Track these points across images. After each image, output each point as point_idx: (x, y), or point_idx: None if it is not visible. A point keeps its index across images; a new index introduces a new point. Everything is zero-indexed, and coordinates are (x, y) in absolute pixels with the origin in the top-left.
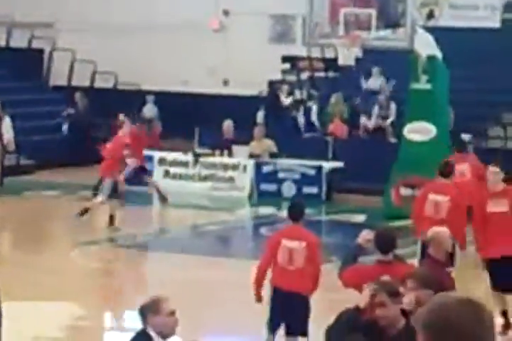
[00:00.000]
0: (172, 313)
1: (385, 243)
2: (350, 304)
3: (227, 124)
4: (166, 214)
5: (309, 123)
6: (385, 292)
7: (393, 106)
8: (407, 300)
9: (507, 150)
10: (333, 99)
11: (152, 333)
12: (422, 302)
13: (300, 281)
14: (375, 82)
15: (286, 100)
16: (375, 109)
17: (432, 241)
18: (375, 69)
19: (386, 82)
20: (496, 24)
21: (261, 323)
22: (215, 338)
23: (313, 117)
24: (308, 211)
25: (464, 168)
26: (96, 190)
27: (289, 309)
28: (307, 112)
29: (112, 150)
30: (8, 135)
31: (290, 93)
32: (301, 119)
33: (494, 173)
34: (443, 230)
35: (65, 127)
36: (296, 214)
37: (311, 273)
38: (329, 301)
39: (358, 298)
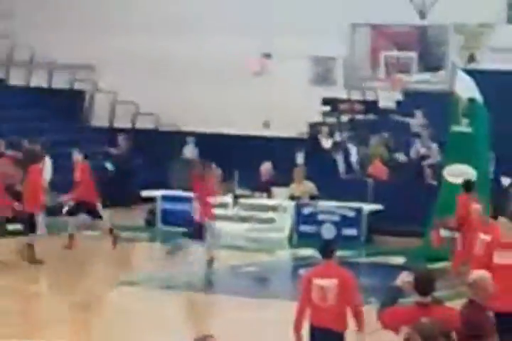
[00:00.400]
0: None
1: (424, 285)
2: None
3: (266, 166)
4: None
5: (349, 165)
6: (420, 335)
7: (435, 145)
8: None
9: None
10: (373, 140)
11: None
12: None
13: (335, 318)
14: (417, 122)
15: (327, 142)
16: (416, 146)
17: (474, 285)
18: (418, 112)
19: (428, 124)
20: None
21: None
22: None
23: (353, 159)
24: (347, 253)
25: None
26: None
27: None
28: (347, 154)
29: None
30: (47, 176)
31: (330, 135)
32: (340, 161)
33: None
34: (485, 273)
35: (109, 166)
36: (326, 251)
37: (346, 311)
38: None
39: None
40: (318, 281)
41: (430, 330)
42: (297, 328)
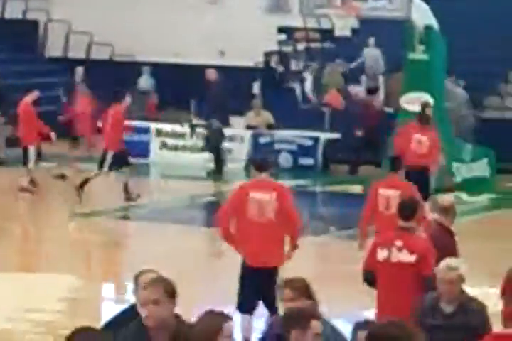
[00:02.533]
0: (146, 287)
1: (406, 210)
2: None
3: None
4: (162, 186)
5: (306, 95)
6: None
7: (380, 77)
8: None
9: (504, 120)
10: (328, 69)
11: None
12: None
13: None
14: (370, 52)
15: (282, 71)
16: (363, 79)
17: (448, 210)
18: (371, 40)
19: (382, 53)
20: None
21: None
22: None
23: (308, 88)
24: (304, 182)
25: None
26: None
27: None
28: (303, 83)
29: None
30: None
31: (286, 64)
32: (297, 90)
33: None
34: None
35: (64, 98)
36: (261, 164)
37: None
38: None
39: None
40: (255, 195)
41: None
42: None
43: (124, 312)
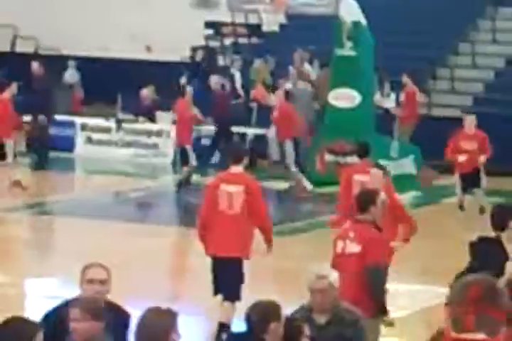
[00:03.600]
0: (91, 281)
1: (362, 203)
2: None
3: (146, 91)
4: (88, 181)
5: (234, 90)
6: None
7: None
8: None
9: (431, 118)
10: (255, 64)
11: None
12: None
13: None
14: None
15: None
16: (291, 71)
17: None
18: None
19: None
20: None
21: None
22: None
23: (237, 83)
24: None
25: None
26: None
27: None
28: (232, 79)
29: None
30: None
31: (213, 59)
32: (227, 86)
33: None
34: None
35: None
36: (235, 156)
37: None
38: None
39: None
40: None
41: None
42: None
43: (62, 303)
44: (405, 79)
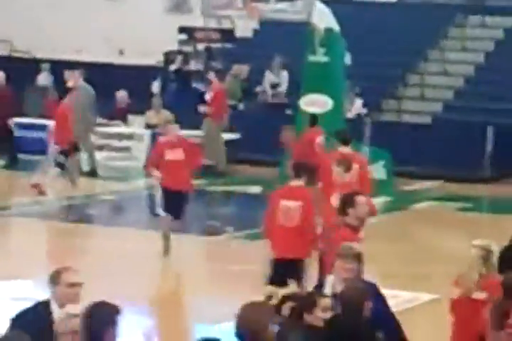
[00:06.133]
0: (72, 285)
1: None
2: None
3: (121, 94)
4: (59, 183)
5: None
6: None
7: (285, 73)
8: None
9: (401, 124)
10: (228, 77)
11: (53, 303)
12: None
13: None
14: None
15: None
16: (267, 76)
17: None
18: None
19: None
20: None
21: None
22: None
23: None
24: (203, 182)
25: None
26: None
27: None
28: (206, 83)
29: None
30: None
31: (186, 63)
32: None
33: None
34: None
35: None
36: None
37: None
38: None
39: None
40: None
41: None
42: None
43: (35, 306)
44: (213, 78)
